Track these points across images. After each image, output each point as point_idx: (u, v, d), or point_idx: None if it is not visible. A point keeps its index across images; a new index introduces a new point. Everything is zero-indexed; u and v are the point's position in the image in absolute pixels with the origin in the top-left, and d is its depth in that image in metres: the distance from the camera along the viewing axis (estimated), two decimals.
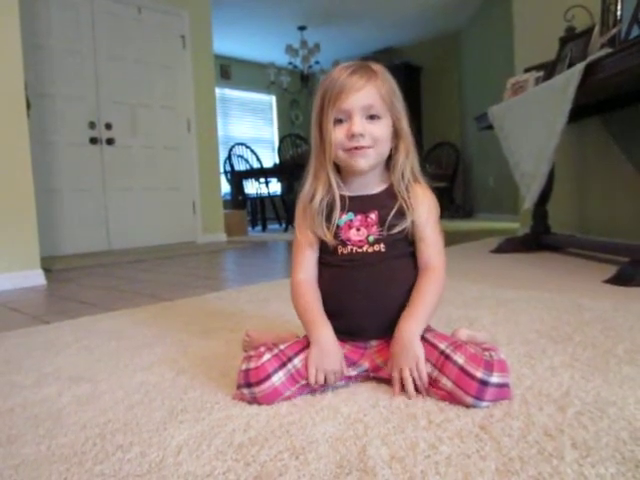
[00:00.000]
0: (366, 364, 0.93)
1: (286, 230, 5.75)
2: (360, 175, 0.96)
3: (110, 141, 3.95)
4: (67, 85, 3.75)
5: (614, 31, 2.22)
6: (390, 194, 0.95)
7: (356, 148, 0.90)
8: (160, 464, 0.67)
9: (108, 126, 3.94)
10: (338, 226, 0.95)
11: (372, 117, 0.91)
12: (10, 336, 1.46)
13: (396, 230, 0.92)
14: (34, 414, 0.87)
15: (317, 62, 6.68)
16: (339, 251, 0.95)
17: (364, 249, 0.94)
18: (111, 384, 1.00)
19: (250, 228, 6.31)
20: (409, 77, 7.17)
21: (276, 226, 6.42)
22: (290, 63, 6.73)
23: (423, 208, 0.94)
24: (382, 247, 0.93)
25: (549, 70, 2.60)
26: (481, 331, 1.20)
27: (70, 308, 1.88)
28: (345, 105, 0.89)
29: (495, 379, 0.80)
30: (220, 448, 0.71)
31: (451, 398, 0.81)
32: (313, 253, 0.99)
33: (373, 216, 0.94)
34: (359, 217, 0.94)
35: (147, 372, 1.07)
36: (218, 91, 5.56)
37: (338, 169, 0.98)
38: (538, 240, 2.85)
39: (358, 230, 0.94)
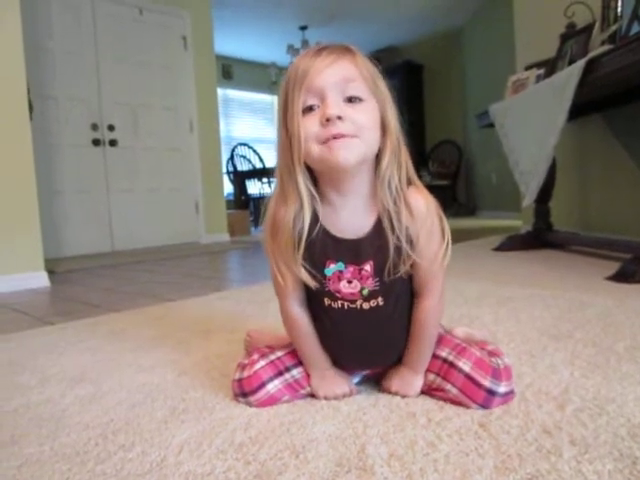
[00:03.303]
0: (366, 370, 0.91)
1: None
2: (344, 187, 0.76)
3: (113, 142, 3.97)
4: (69, 87, 3.76)
5: (614, 27, 2.22)
6: (385, 225, 0.75)
7: (334, 137, 0.70)
8: (161, 463, 0.68)
9: (111, 128, 3.96)
10: (325, 276, 0.79)
11: (352, 100, 0.72)
12: (14, 337, 1.47)
13: (396, 275, 0.77)
14: (37, 414, 0.88)
15: None
16: (326, 303, 0.81)
17: (358, 304, 0.80)
18: (113, 385, 1.01)
19: (253, 228, 6.32)
20: (411, 75, 7.17)
21: None
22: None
23: (427, 232, 0.76)
24: (380, 301, 0.79)
25: (550, 67, 2.59)
26: (482, 330, 1.20)
27: (73, 309, 1.89)
28: (314, 83, 0.71)
29: (503, 389, 0.78)
30: (221, 447, 0.71)
31: (454, 402, 0.80)
32: (297, 285, 0.82)
33: (368, 268, 0.77)
34: (351, 269, 0.77)
35: (149, 372, 1.07)
36: (220, 91, 5.58)
37: (315, 182, 0.77)
38: (540, 238, 2.85)
39: (350, 282, 0.78)
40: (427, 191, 0.79)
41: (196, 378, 1.01)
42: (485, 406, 0.77)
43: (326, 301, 0.81)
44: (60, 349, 1.31)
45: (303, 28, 6.48)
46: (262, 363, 0.85)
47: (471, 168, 6.84)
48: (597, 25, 2.44)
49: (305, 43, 6.56)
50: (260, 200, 6.42)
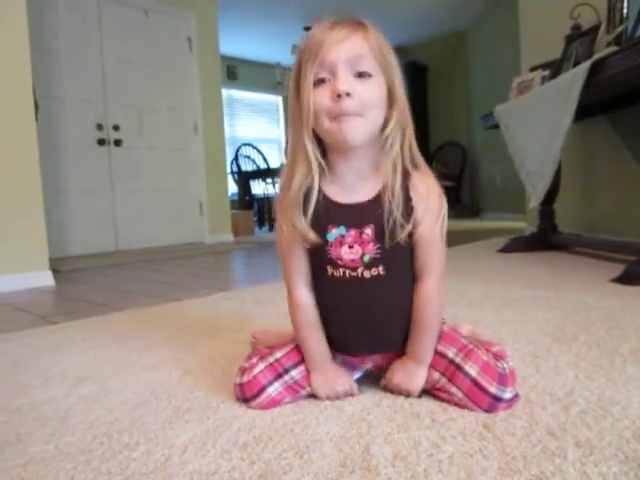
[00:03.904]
0: (369, 365, 0.91)
1: None
2: (351, 154, 0.80)
3: (118, 143, 3.98)
4: (75, 87, 3.78)
5: (620, 29, 2.21)
6: (385, 194, 0.79)
7: (343, 115, 0.75)
8: (166, 462, 0.68)
9: (116, 128, 3.97)
10: (327, 241, 0.80)
11: (361, 75, 0.76)
12: (18, 337, 1.48)
13: (395, 241, 0.79)
14: (42, 413, 0.88)
15: None
16: (329, 272, 0.82)
17: (359, 272, 0.80)
18: (118, 384, 1.01)
19: (257, 228, 6.33)
20: (415, 76, 7.15)
21: None
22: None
23: (426, 206, 0.79)
24: (381, 270, 0.80)
25: (555, 69, 2.59)
26: (486, 330, 1.19)
27: (78, 308, 1.89)
28: (327, 57, 0.75)
29: (508, 394, 0.78)
30: (225, 447, 0.71)
31: (459, 405, 0.79)
32: (302, 254, 0.84)
33: (369, 231, 0.79)
34: (352, 232, 0.80)
35: (154, 372, 1.07)
36: (225, 92, 5.58)
37: (324, 153, 0.82)
38: (545, 239, 2.84)
39: (351, 247, 0.79)
40: (431, 175, 0.82)
41: (201, 378, 1.01)
42: (490, 411, 0.77)
43: (329, 270, 0.82)
44: (64, 348, 1.31)
45: (308, 29, 6.46)
46: (261, 366, 0.85)
47: (475, 169, 6.83)
48: (603, 26, 2.44)
49: None
50: (264, 200, 6.44)
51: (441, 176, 0.87)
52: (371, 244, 0.79)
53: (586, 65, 2.02)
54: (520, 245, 2.87)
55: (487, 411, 0.77)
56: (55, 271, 2.73)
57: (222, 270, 3.01)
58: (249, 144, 6.32)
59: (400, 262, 0.82)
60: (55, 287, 2.50)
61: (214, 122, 4.59)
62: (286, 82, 7.05)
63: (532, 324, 1.29)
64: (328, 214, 0.80)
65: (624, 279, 1.80)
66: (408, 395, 0.84)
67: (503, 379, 0.78)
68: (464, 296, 1.67)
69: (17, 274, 2.46)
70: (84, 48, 3.84)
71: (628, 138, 2.70)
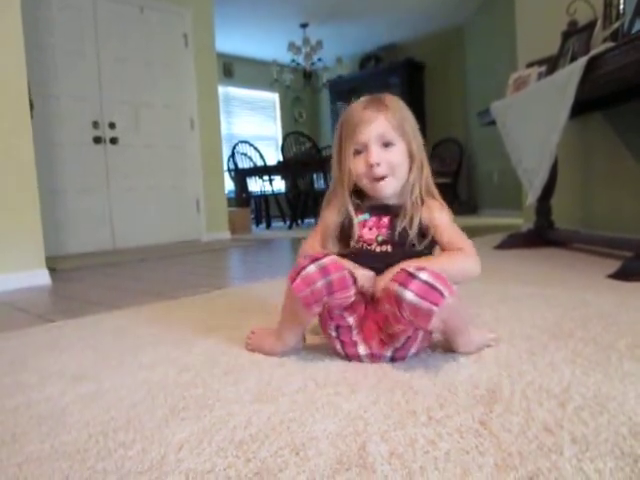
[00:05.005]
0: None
1: (290, 228, 5.75)
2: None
3: (114, 140, 3.97)
4: (70, 85, 3.77)
5: (616, 25, 2.21)
6: (405, 208, 1.05)
7: (376, 179, 1.02)
8: (161, 461, 0.68)
9: (112, 125, 3.96)
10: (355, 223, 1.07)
11: (387, 145, 1.02)
12: (15, 335, 1.47)
13: (406, 239, 1.02)
14: (38, 412, 0.88)
15: (320, 59, 6.67)
16: (351, 245, 1.07)
17: (373, 247, 1.05)
18: (114, 382, 1.01)
19: (254, 226, 6.32)
20: (412, 73, 7.15)
21: (280, 224, 6.42)
22: (293, 60, 6.72)
23: (434, 210, 1.06)
24: (389, 248, 1.04)
25: (552, 65, 2.59)
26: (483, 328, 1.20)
27: (75, 307, 1.89)
28: (361, 137, 1.02)
29: (424, 276, 0.87)
30: (221, 445, 0.71)
31: (388, 298, 0.91)
32: (327, 238, 1.11)
33: (386, 220, 1.05)
34: (374, 218, 1.06)
35: (150, 370, 1.07)
36: (221, 89, 5.57)
37: (361, 192, 1.09)
38: (542, 236, 2.84)
39: (370, 229, 1.06)
40: (441, 200, 1.10)
41: (197, 375, 1.01)
42: (403, 285, 0.87)
43: (351, 243, 1.08)
44: (61, 347, 1.31)
45: (304, 25, 6.46)
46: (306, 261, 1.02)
47: (472, 166, 6.83)
48: (599, 23, 2.43)
49: (306, 40, 6.55)
50: (261, 198, 6.43)
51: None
52: (384, 229, 1.05)
53: (583, 61, 2.02)
54: (517, 242, 2.87)
55: (401, 284, 0.87)
56: (52, 269, 2.72)
57: (219, 268, 3.00)
58: (246, 141, 6.30)
59: (407, 250, 1.03)
60: (52, 286, 2.49)
61: (211, 119, 4.58)
62: (282, 79, 7.04)
63: (529, 321, 1.29)
64: (357, 208, 1.08)
65: (621, 275, 1.80)
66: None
67: (425, 269, 0.89)
68: (462, 292, 1.67)
69: (14, 273, 2.45)
70: (79, 45, 3.82)
71: (625, 135, 2.70)
